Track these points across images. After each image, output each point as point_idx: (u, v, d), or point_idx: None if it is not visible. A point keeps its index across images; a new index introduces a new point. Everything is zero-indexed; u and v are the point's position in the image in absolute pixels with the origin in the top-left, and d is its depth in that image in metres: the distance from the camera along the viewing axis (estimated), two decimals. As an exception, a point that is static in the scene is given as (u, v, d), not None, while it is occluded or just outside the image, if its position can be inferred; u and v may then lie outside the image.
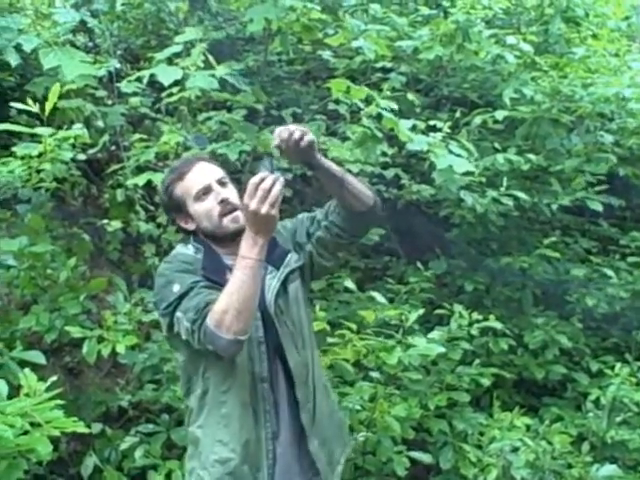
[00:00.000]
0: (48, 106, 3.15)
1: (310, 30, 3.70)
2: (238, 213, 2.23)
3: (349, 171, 2.51)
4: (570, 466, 3.44)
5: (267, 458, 2.23)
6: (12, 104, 3.35)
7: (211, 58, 3.48)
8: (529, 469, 3.31)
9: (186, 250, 2.30)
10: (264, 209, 2.01)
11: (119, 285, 3.60)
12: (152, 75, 3.39)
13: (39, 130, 3.19)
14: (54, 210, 3.87)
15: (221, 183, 2.28)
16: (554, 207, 4.36)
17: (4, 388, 2.30)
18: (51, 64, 3.41)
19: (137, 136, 3.77)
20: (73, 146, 3.36)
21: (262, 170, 2.04)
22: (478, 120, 4.18)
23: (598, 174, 4.40)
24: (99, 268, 4.15)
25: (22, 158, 3.21)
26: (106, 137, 3.73)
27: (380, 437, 3.43)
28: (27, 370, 2.34)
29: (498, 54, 4.19)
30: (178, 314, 2.14)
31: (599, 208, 4.31)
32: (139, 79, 3.49)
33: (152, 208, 3.79)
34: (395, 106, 3.38)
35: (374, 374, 3.53)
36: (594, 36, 4.86)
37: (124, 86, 3.63)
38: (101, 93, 3.93)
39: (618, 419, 3.72)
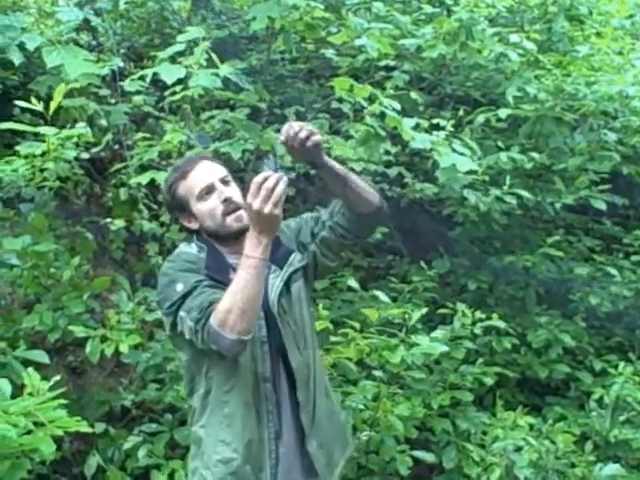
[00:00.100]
0: (53, 105, 3.15)
1: (313, 28, 3.69)
2: (241, 212, 2.21)
3: (352, 169, 2.50)
4: (573, 465, 3.43)
5: (270, 458, 2.22)
6: (16, 102, 3.36)
7: (214, 57, 3.47)
8: (532, 468, 3.31)
9: (189, 249, 2.29)
10: (267, 208, 2.00)
11: (122, 284, 3.60)
12: (155, 74, 3.38)
13: (42, 129, 3.19)
14: (57, 209, 3.87)
15: (224, 182, 2.27)
16: (557, 206, 4.35)
17: (7, 387, 2.30)
18: (54, 63, 3.41)
19: (140, 135, 3.77)
20: (76, 145, 3.36)
21: (265, 169, 2.04)
22: (481, 118, 4.18)
23: (601, 172, 4.40)
24: (102, 267, 4.15)
25: (25, 157, 3.22)
26: (109, 136, 3.73)
27: (383, 436, 3.43)
28: (30, 369, 2.35)
29: (501, 52, 4.19)
30: (181, 313, 2.13)
31: (602, 207, 4.31)
32: (142, 78, 3.48)
33: (155, 207, 3.79)
34: (398, 105, 3.37)
35: (377, 373, 3.53)
36: (598, 34, 4.84)
37: (127, 85, 3.62)
38: (104, 92, 3.93)
39: (621, 418, 3.72)
